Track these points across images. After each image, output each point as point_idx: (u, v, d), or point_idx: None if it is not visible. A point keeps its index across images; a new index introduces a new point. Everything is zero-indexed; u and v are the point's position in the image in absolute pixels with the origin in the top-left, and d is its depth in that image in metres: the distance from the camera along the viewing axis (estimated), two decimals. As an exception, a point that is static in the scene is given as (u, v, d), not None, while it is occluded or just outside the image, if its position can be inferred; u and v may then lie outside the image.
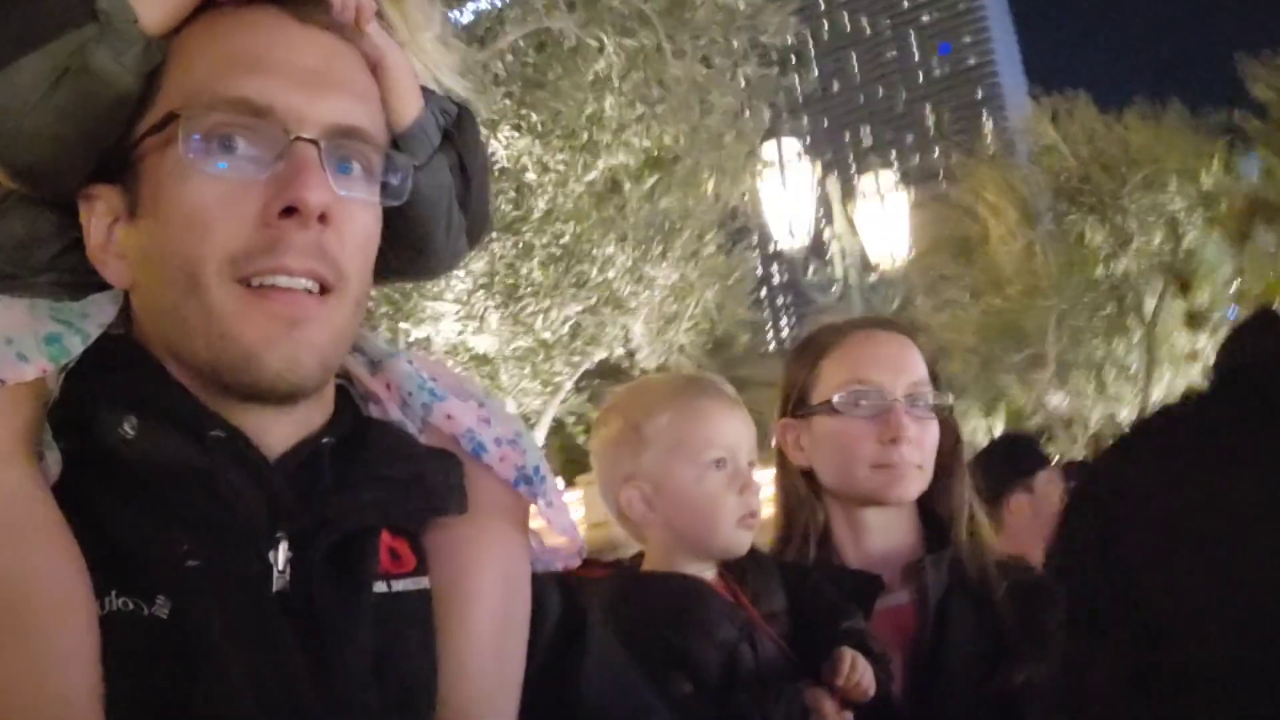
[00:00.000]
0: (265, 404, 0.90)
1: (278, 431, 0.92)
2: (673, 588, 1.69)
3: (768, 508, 1.88)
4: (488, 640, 0.94)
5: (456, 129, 1.09)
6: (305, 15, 0.92)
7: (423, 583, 0.94)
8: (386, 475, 0.95)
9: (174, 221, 0.87)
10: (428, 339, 12.18)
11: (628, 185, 10.82)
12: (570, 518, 1.11)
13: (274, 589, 0.85)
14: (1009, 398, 25.03)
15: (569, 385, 13.15)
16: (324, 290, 0.89)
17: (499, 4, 8.27)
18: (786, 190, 11.11)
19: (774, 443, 1.98)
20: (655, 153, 10.90)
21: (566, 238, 10.82)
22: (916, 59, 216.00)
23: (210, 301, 0.86)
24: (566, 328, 11.68)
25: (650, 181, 11.35)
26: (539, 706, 0.98)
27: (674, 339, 12.93)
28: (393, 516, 0.94)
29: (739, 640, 1.59)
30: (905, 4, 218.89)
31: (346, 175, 0.91)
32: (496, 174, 10.18)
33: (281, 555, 0.86)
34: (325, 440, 0.95)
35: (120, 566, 0.83)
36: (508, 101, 9.65)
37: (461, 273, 10.49)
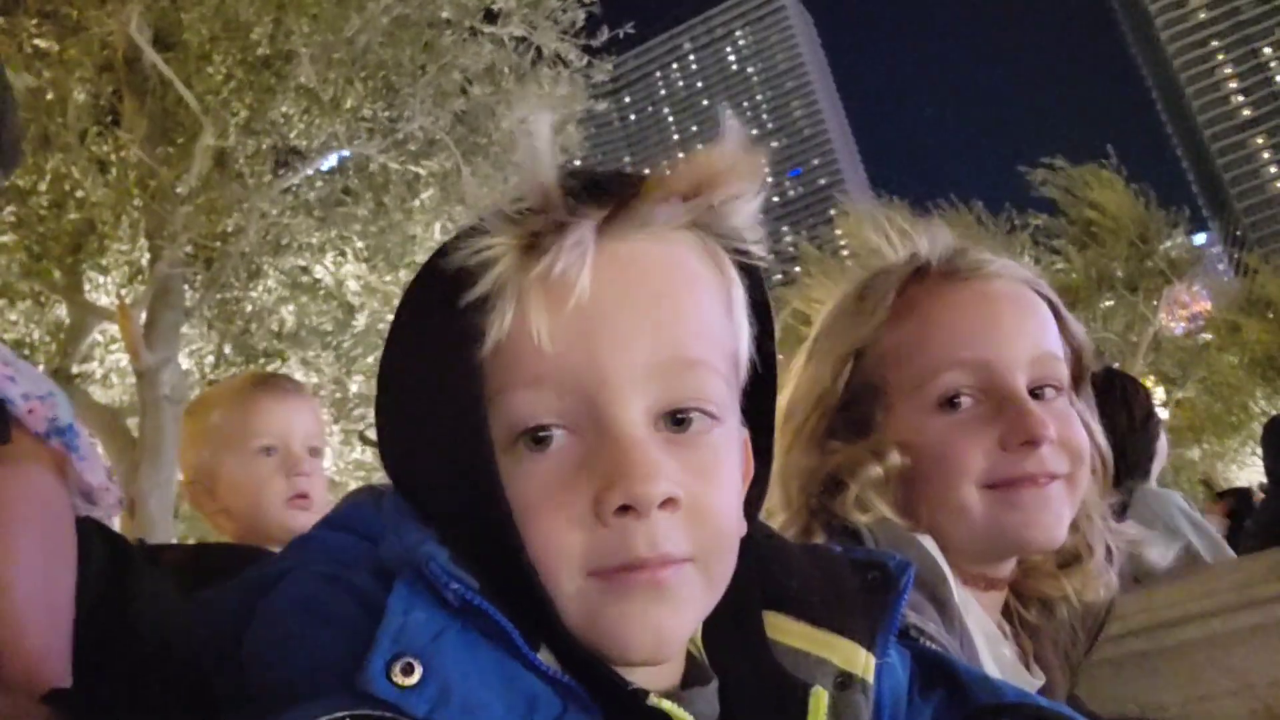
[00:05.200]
0: None
1: None
2: (242, 552, 1.76)
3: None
4: (33, 567, 0.94)
5: None
6: None
7: None
8: None
9: None
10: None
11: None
12: (104, 471, 1.13)
13: None
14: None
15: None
16: None
17: (296, 134, 8.85)
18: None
19: None
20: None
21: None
22: (770, 183, 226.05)
23: None
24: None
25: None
26: (93, 640, 0.98)
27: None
28: None
29: None
30: (755, 132, 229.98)
31: None
32: (320, 296, 10.62)
33: None
34: None
35: None
36: (333, 231, 10.12)
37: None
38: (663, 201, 0.67)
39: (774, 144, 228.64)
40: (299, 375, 10.79)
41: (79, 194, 8.86)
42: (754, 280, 0.75)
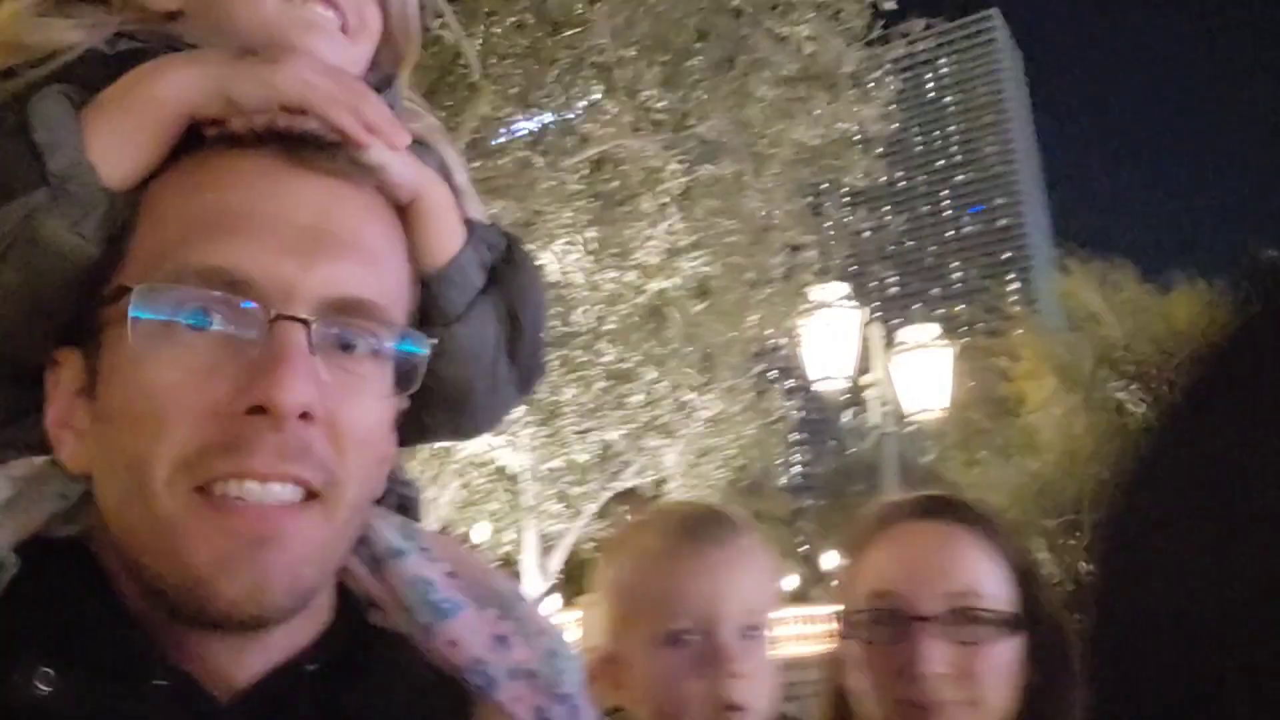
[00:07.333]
0: (226, 632, 0.75)
1: (243, 662, 0.77)
2: None
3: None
4: None
5: (505, 265, 0.98)
6: (305, 160, 0.77)
7: None
8: (377, 716, 0.81)
9: (121, 413, 0.74)
10: (449, 448, 11.81)
11: (673, 311, 10.59)
12: None
13: None
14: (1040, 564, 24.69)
15: (593, 509, 12.70)
16: (309, 495, 0.73)
17: (576, 115, 8.12)
18: (830, 333, 10.82)
19: None
20: (705, 281, 10.71)
21: (608, 356, 10.52)
22: (950, 215, 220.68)
23: (158, 512, 0.72)
24: (599, 450, 11.31)
25: (696, 309, 11.14)
26: None
27: (707, 473, 12.53)
28: None
29: None
30: (941, 163, 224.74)
31: (349, 355, 0.77)
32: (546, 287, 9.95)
33: None
34: (309, 667, 0.80)
35: None
36: (570, 214, 9.48)
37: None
38: None
39: (959, 177, 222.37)
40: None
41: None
42: None
